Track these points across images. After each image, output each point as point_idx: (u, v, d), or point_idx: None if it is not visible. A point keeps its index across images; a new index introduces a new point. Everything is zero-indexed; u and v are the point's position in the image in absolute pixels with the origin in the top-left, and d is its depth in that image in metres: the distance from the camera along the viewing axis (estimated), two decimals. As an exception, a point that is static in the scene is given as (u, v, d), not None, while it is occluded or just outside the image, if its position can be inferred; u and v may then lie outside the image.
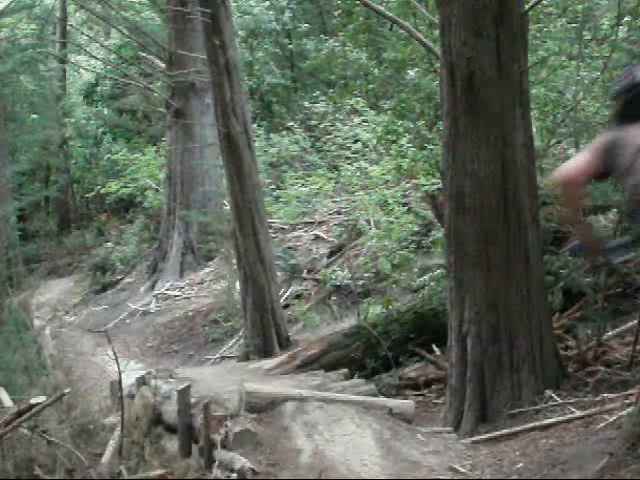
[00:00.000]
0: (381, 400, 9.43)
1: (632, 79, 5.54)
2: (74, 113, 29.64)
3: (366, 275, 15.60)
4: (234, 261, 16.12)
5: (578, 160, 5.55)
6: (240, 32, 24.57)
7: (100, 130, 29.70)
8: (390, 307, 13.03)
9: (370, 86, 16.43)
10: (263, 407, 8.42)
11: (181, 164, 22.26)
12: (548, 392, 9.10)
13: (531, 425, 8.54)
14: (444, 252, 10.35)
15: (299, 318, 15.85)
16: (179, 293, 20.74)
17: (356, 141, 19.56)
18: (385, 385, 11.50)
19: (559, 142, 14.58)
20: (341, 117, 21.26)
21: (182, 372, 11.09)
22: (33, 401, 7.39)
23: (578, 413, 8.47)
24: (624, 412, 7.80)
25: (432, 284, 13.17)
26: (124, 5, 25.51)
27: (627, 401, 8.23)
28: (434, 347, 12.11)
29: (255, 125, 21.52)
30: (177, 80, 21.79)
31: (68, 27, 29.04)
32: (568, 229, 11.99)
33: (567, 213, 5.87)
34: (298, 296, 16.89)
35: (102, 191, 25.48)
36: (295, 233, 19.69)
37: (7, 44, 18.13)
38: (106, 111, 29.91)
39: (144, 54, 24.38)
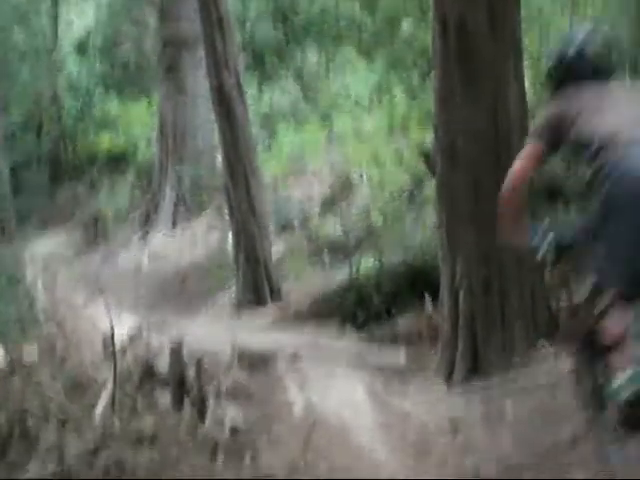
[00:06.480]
0: (373, 353, 9.49)
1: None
2: (66, 66, 29.40)
3: (359, 227, 15.57)
4: (226, 212, 16.10)
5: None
6: (232, -16, 24.36)
7: (92, 83, 29.50)
8: (382, 260, 13.02)
9: (363, 35, 16.36)
10: (255, 361, 8.47)
11: (173, 118, 22.15)
12: (541, 341, 9.12)
13: (523, 376, 8.58)
14: (435, 206, 10.34)
15: (291, 271, 15.85)
16: (171, 244, 20.72)
17: (348, 93, 19.44)
18: (377, 337, 11.52)
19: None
20: (334, 69, 21.15)
21: (175, 325, 11.12)
22: (26, 352, 7.41)
23: (570, 363, 8.50)
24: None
25: (425, 237, 13.16)
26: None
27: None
28: (426, 299, 12.12)
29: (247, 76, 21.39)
30: (168, 34, 21.63)
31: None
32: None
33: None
34: (290, 249, 16.88)
35: (94, 144, 25.35)
36: (287, 185, 19.62)
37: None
38: (98, 64, 29.71)
39: (135, 8, 24.21)
